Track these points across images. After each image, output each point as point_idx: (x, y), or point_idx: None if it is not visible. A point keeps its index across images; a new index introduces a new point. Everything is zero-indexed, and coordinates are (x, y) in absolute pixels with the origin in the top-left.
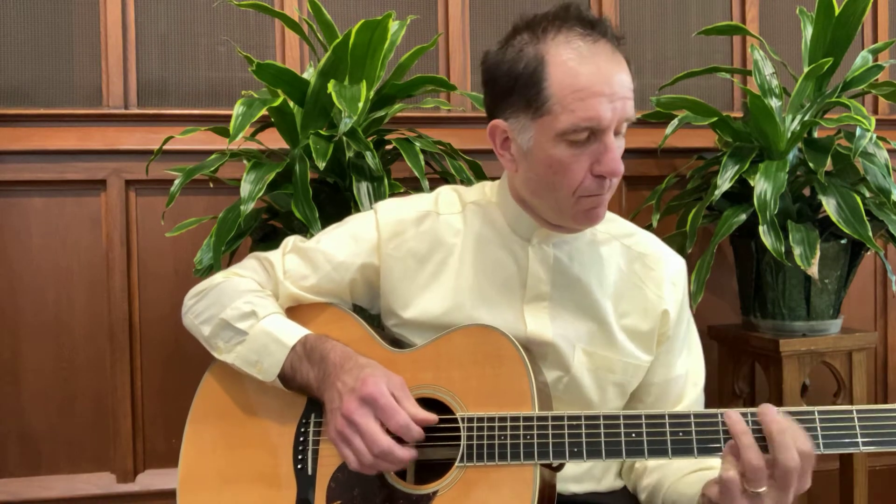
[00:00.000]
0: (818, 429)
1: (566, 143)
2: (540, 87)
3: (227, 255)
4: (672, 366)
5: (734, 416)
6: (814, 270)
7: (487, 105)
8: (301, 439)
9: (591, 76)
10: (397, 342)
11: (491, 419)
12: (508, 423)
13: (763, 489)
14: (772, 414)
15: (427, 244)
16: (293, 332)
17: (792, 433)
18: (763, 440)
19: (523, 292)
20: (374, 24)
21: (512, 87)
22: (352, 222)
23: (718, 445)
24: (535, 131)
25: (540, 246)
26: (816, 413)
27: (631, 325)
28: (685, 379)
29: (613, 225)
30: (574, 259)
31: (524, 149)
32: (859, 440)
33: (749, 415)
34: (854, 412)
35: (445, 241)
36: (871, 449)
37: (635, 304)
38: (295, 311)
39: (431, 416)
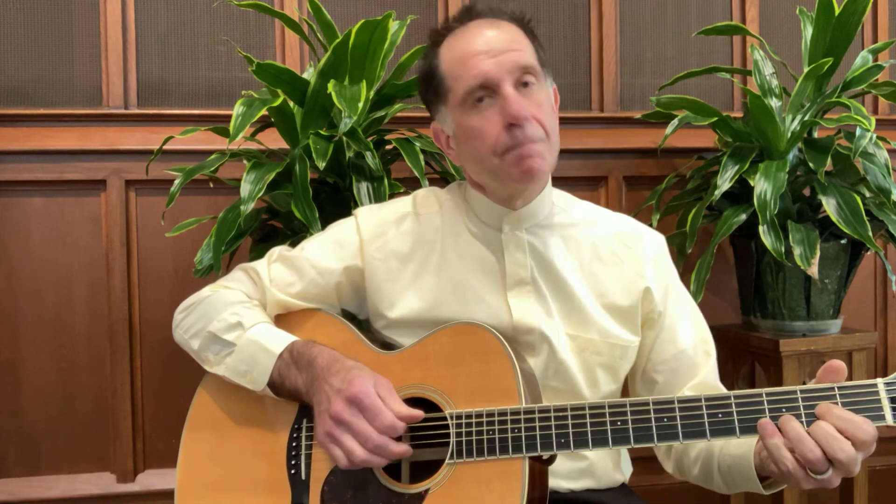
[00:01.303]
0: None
1: (471, 111)
2: (436, 76)
3: (227, 255)
4: (676, 340)
5: (787, 421)
6: (814, 270)
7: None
8: (294, 445)
9: (466, 45)
10: (386, 345)
11: (479, 415)
12: (496, 418)
13: (828, 473)
14: (823, 428)
15: (409, 244)
16: (280, 340)
17: (847, 431)
18: (812, 415)
19: (504, 280)
20: (374, 24)
21: (426, 90)
22: (334, 228)
23: (703, 429)
24: (450, 114)
25: (513, 233)
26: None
27: (610, 304)
28: (695, 349)
29: (586, 210)
30: (548, 244)
31: (452, 135)
32: (804, 419)
33: (803, 415)
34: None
35: (426, 240)
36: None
37: (614, 282)
38: (283, 318)
39: (417, 413)
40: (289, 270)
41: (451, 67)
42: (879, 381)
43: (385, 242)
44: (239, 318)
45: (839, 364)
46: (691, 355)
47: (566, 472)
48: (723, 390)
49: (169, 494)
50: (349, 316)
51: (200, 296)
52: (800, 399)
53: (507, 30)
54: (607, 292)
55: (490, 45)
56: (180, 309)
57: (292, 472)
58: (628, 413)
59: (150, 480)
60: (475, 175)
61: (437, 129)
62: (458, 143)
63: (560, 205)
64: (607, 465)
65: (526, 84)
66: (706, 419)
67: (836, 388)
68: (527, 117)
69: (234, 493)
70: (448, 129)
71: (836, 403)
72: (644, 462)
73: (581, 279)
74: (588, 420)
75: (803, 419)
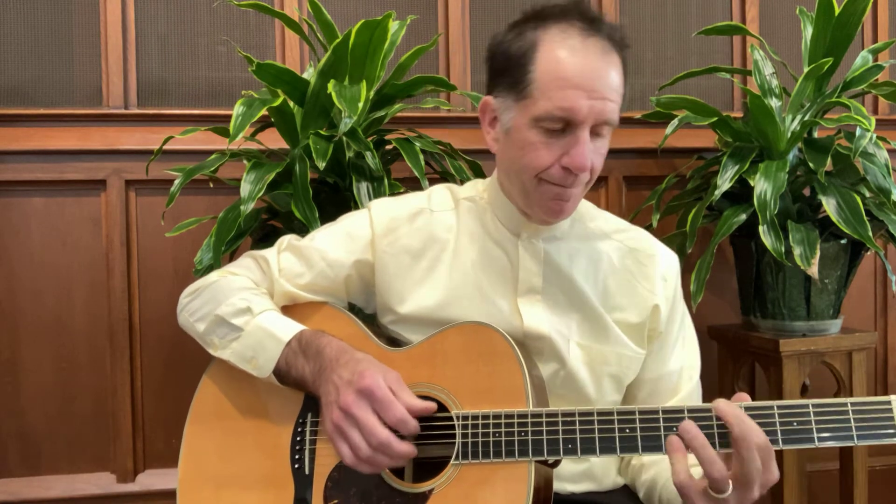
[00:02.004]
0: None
1: (540, 130)
2: (526, 69)
3: (227, 255)
4: (665, 361)
5: (691, 430)
6: (814, 270)
7: (486, 83)
8: (298, 439)
9: (574, 68)
10: (392, 341)
11: (486, 416)
12: (503, 421)
13: (728, 493)
14: (731, 414)
15: (421, 240)
16: (288, 328)
17: (751, 434)
18: (722, 435)
19: (516, 286)
20: (374, 24)
21: (504, 68)
22: (346, 220)
23: (713, 441)
24: (516, 112)
25: (529, 241)
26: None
27: (622, 319)
28: (679, 374)
29: (605, 221)
30: (564, 255)
31: (505, 128)
32: (815, 435)
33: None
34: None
35: (439, 237)
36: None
37: (626, 298)
38: (290, 309)
39: (429, 405)
40: (298, 261)
41: (545, 78)
42: (893, 398)
43: (397, 238)
44: (248, 303)
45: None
46: (675, 379)
47: (568, 475)
48: None
49: (169, 494)
50: (355, 311)
51: (208, 280)
52: (811, 413)
53: (615, 69)
54: (619, 307)
55: (594, 86)
56: (186, 293)
57: (296, 466)
58: (637, 421)
59: (150, 480)
60: (503, 174)
61: (489, 105)
62: (507, 140)
63: (580, 215)
64: (609, 468)
65: (599, 134)
66: (716, 430)
67: (848, 404)
68: (585, 170)
69: (236, 485)
70: (504, 120)
71: (849, 419)
72: None
73: (594, 291)
74: (596, 426)
75: (814, 433)
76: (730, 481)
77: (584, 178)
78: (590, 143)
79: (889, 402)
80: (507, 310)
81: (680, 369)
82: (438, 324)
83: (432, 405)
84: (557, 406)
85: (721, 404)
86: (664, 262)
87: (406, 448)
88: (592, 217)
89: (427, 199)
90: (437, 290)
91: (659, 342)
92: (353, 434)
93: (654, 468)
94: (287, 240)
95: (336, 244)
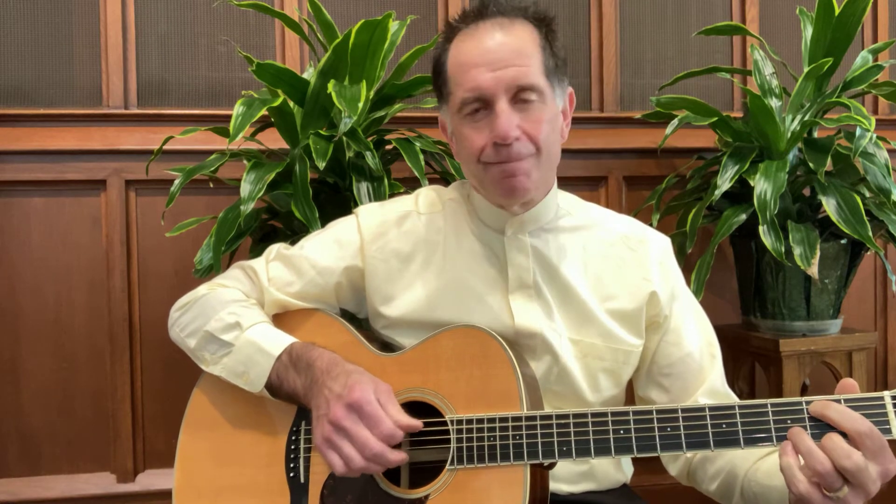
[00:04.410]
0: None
1: (465, 119)
2: (442, 74)
3: (227, 255)
4: (681, 343)
5: (797, 434)
6: (814, 270)
7: None
8: (292, 447)
9: (469, 51)
10: (386, 346)
11: (480, 420)
12: (497, 424)
13: (844, 490)
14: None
15: (410, 244)
16: (278, 342)
17: (842, 424)
18: (815, 426)
19: (506, 284)
20: (374, 24)
21: (434, 83)
22: (334, 227)
23: (707, 440)
24: (449, 115)
25: (515, 236)
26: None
27: (615, 308)
28: (701, 352)
29: (591, 211)
30: (552, 248)
31: (451, 133)
32: (808, 433)
33: (804, 404)
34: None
35: (428, 240)
36: None
37: (619, 286)
38: (282, 318)
39: (416, 423)
40: (287, 269)
41: (454, 72)
42: (886, 393)
43: (386, 242)
44: (237, 317)
45: (852, 383)
46: (697, 359)
47: (567, 476)
48: (731, 395)
49: (169, 494)
50: (348, 316)
51: (197, 294)
52: (805, 410)
53: (518, 36)
54: (612, 296)
55: (492, 56)
56: (176, 307)
57: (291, 474)
58: (631, 422)
59: (150, 480)
60: (468, 177)
61: (443, 122)
62: (456, 143)
63: (566, 207)
64: (608, 467)
65: (525, 100)
66: (710, 429)
67: (842, 400)
68: (516, 137)
69: (232, 495)
70: (449, 127)
71: None
72: (644, 462)
73: (585, 283)
74: (591, 428)
75: (808, 431)
76: (841, 479)
77: (524, 148)
78: (512, 112)
79: (882, 398)
80: (498, 309)
81: (699, 348)
82: (431, 327)
83: (418, 423)
84: (552, 403)
85: (814, 402)
86: (658, 247)
87: (399, 457)
88: (578, 209)
89: (414, 202)
90: (427, 293)
91: (666, 325)
92: (345, 446)
93: (722, 458)
94: (275, 249)
95: (325, 252)
